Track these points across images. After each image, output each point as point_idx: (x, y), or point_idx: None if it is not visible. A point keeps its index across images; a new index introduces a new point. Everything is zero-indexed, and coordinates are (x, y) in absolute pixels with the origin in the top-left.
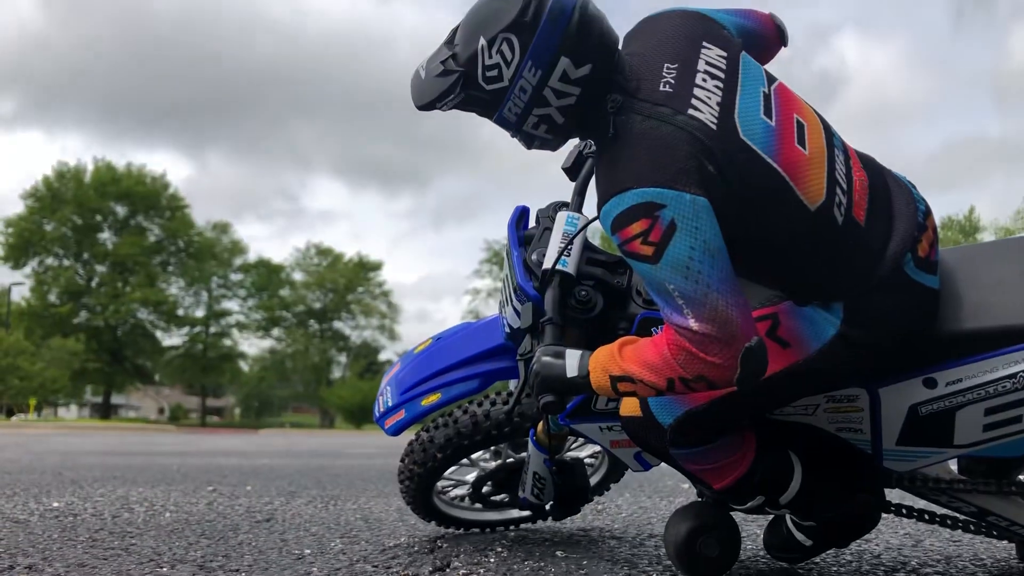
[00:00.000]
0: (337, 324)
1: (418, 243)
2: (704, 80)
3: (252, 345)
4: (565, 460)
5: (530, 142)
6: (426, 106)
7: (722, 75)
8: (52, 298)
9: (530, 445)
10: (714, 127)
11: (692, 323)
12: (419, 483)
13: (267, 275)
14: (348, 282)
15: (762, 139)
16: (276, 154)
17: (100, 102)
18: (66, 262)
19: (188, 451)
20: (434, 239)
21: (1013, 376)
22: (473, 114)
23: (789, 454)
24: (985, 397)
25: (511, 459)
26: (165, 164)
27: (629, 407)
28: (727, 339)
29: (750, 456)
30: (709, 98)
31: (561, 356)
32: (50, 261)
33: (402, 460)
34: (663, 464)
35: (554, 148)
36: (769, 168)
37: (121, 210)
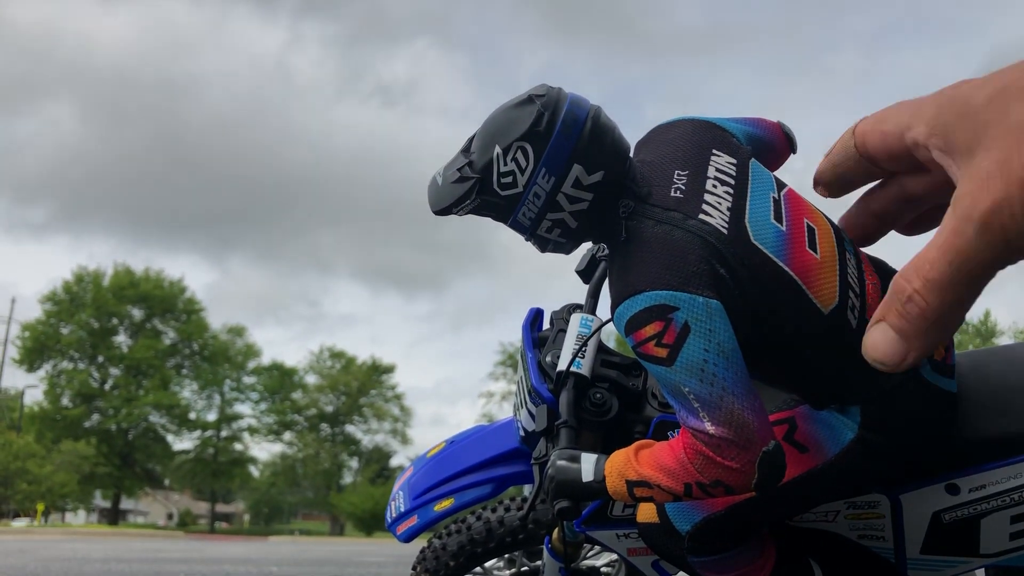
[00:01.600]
0: (349, 428)
1: (436, 346)
2: (714, 186)
3: (263, 450)
4: (581, 569)
5: (544, 245)
6: (443, 211)
7: (732, 181)
8: (65, 401)
9: (545, 553)
10: (725, 231)
11: (708, 426)
12: None
13: (280, 378)
14: (361, 385)
15: (773, 243)
16: (299, 260)
17: (128, 210)
18: (81, 365)
19: (196, 558)
20: (452, 343)
21: None
22: (489, 219)
23: (810, 562)
24: (1011, 504)
25: (525, 568)
26: (189, 270)
27: (646, 513)
28: (744, 443)
29: (770, 565)
30: (719, 203)
31: (576, 460)
32: (64, 364)
33: (413, 568)
34: (681, 573)
35: (567, 252)
36: (781, 271)
37: (138, 313)
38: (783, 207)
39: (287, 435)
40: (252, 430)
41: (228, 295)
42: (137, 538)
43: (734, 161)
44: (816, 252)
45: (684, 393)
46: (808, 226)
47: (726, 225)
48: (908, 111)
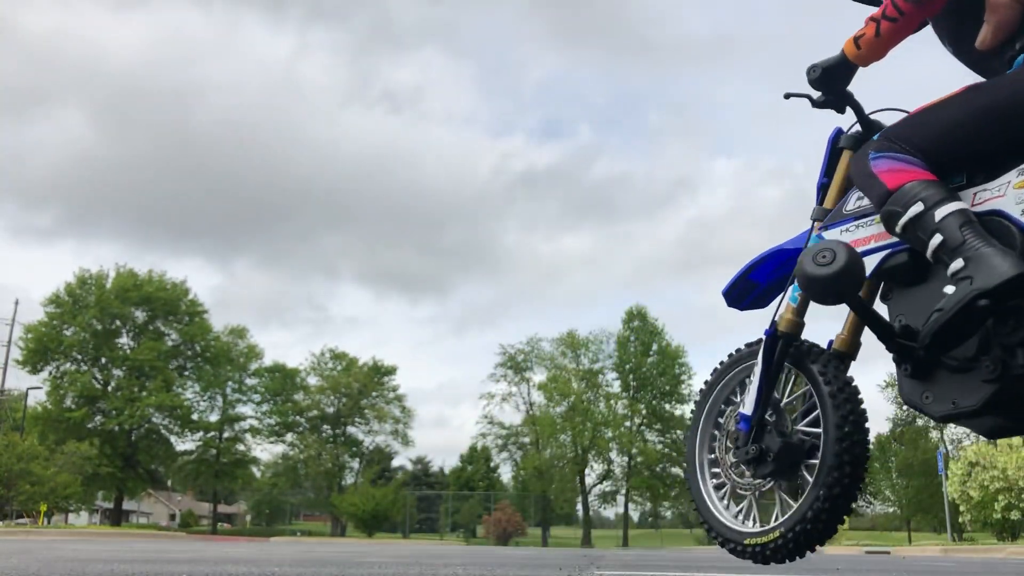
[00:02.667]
0: (350, 429)
1: (438, 349)
2: None
3: (265, 451)
4: (782, 412)
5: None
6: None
7: None
8: (68, 402)
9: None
10: None
11: None
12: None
13: (281, 380)
14: (362, 386)
15: None
16: (304, 264)
17: (135, 214)
18: (83, 367)
19: (198, 559)
20: (454, 345)
21: None
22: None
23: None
24: None
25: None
26: (195, 273)
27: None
28: None
29: (927, 177)
30: None
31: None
32: (67, 366)
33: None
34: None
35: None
36: None
37: (140, 315)
38: None
39: (289, 436)
40: (254, 431)
41: (234, 299)
42: (140, 539)
43: None
44: None
45: None
46: None
47: None
48: None
